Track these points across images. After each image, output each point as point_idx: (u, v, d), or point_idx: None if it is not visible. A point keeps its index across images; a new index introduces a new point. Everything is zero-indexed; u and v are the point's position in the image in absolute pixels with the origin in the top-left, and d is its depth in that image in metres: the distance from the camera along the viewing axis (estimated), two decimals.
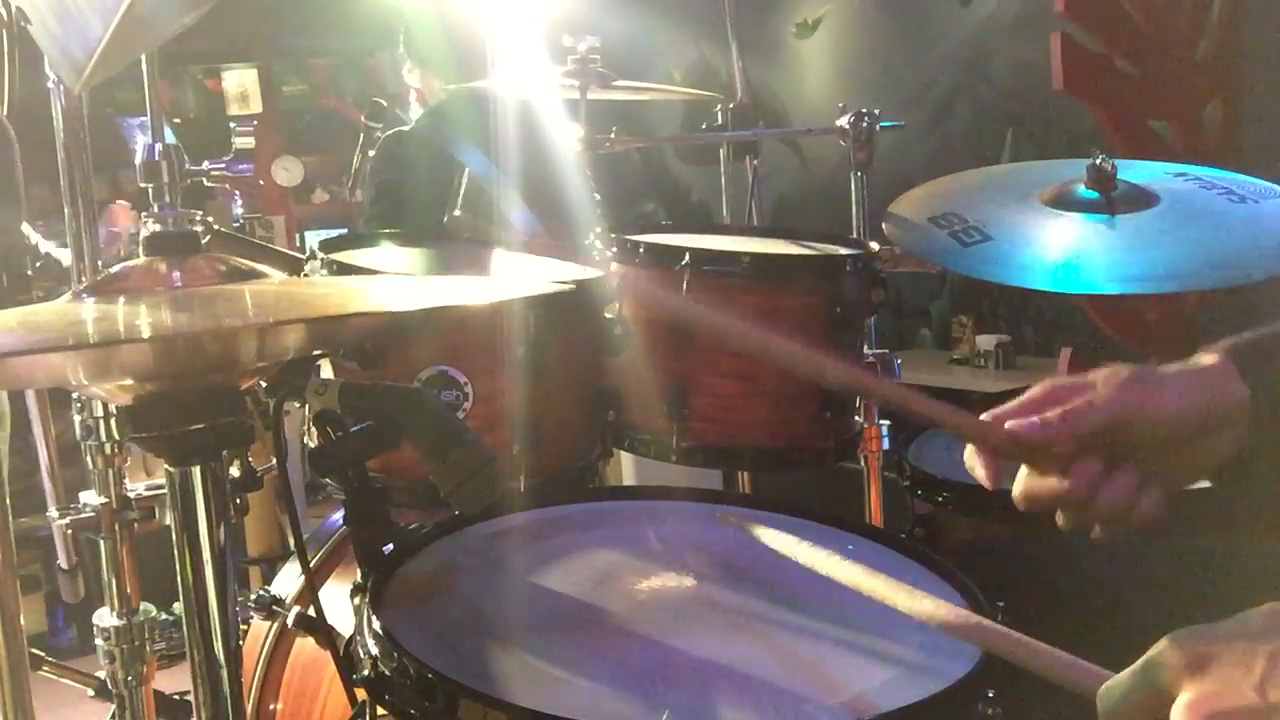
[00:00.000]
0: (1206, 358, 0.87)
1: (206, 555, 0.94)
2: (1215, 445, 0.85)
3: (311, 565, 1.49)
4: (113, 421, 1.50)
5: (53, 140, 1.46)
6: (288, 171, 5.37)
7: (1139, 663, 0.64)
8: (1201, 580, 1.11)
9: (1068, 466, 0.85)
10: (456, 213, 1.17)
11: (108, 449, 1.54)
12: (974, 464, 0.90)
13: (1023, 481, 0.88)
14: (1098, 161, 1.47)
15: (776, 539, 0.99)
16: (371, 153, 2.80)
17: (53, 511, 1.68)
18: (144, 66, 1.08)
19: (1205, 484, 1.30)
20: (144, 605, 1.57)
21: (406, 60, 3.03)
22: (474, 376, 1.27)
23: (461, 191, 1.64)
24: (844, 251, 1.56)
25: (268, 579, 1.76)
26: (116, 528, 1.55)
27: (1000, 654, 0.79)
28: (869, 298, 1.47)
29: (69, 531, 1.64)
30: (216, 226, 1.71)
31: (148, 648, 1.56)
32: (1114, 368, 0.87)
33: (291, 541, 1.73)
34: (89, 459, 1.55)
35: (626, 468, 2.60)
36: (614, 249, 1.46)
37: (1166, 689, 0.62)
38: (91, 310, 0.88)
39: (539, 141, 2.15)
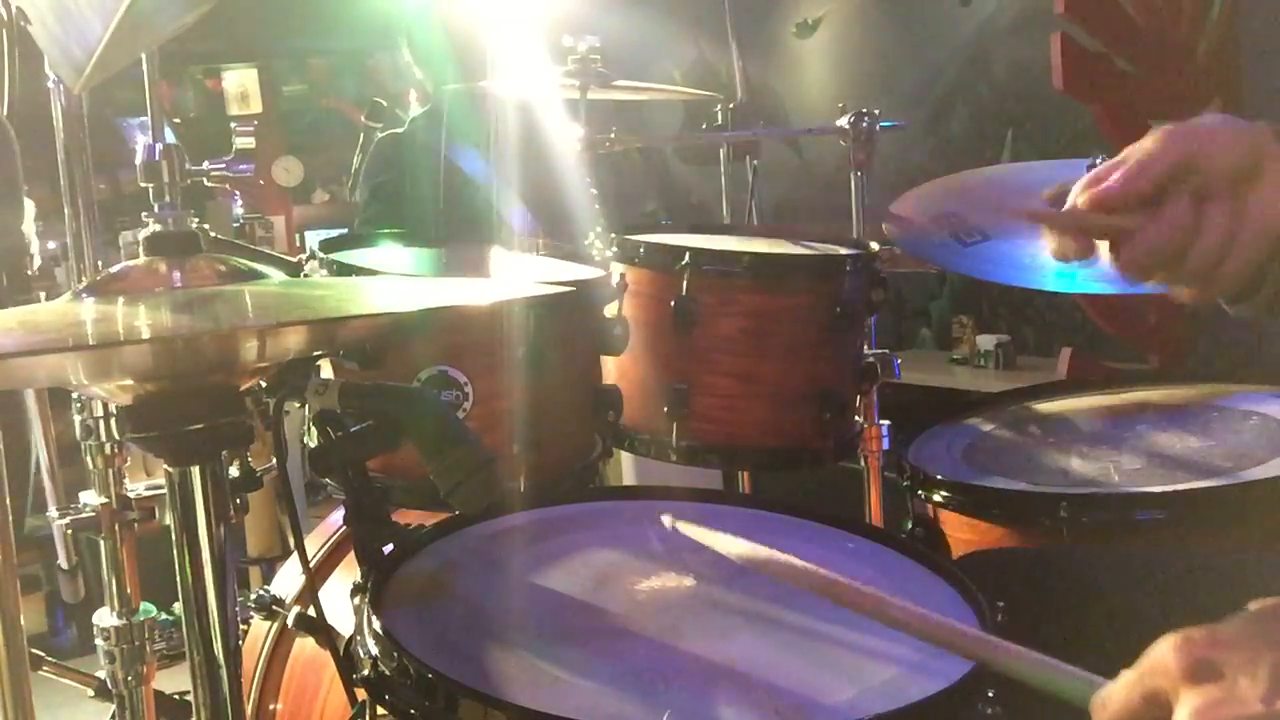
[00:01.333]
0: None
1: (206, 555, 0.94)
2: (1266, 194, 0.80)
3: (311, 565, 1.49)
4: (113, 421, 1.50)
5: (53, 140, 1.46)
6: (288, 171, 5.38)
7: (1135, 669, 0.63)
8: (1202, 582, 1.10)
9: (1156, 215, 0.80)
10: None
11: (108, 449, 1.54)
12: (1065, 249, 0.85)
13: (1115, 250, 0.83)
14: (1098, 162, 1.47)
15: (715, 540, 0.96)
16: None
17: (53, 511, 1.68)
18: (144, 66, 1.08)
19: (1205, 483, 1.30)
20: (144, 605, 1.57)
21: (408, 58, 3.03)
22: (474, 376, 1.27)
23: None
24: (844, 251, 1.56)
25: (268, 579, 1.76)
26: (116, 528, 1.54)
27: (984, 662, 0.78)
28: (869, 298, 1.47)
29: (69, 531, 1.64)
30: (213, 233, 1.71)
31: (148, 648, 1.56)
32: (1154, 128, 0.84)
33: (291, 541, 1.73)
34: (89, 459, 1.55)
35: (626, 468, 2.60)
36: (614, 249, 1.46)
37: (1165, 697, 0.60)
38: (91, 310, 0.88)
39: (537, 142, 2.15)
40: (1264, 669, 0.58)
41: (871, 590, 0.79)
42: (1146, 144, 0.83)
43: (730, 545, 0.87)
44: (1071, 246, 0.84)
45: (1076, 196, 0.84)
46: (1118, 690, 0.63)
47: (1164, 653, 0.62)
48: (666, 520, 0.93)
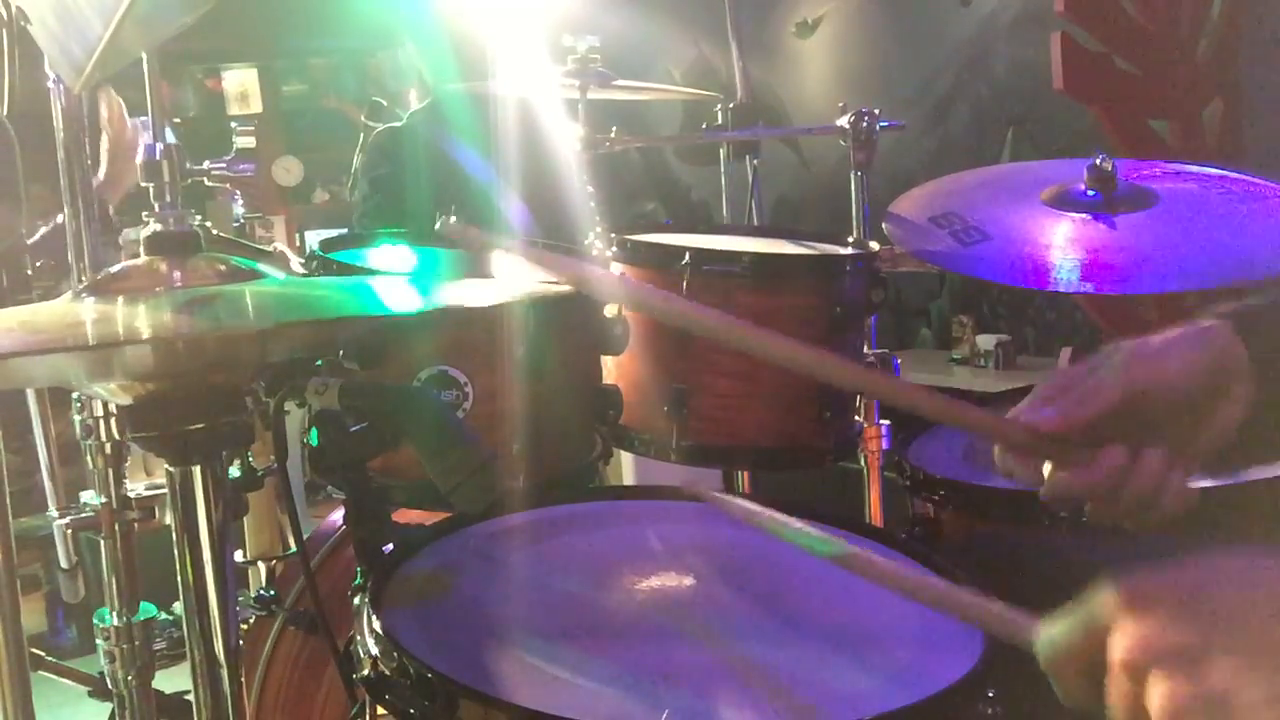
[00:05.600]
0: (1203, 320, 0.87)
1: (206, 555, 0.94)
2: (1226, 409, 0.85)
3: (312, 565, 1.49)
4: (113, 421, 1.50)
5: (53, 140, 1.46)
6: (288, 171, 5.38)
7: (1078, 603, 0.64)
8: None
9: (1093, 455, 0.84)
10: (451, 219, 1.17)
11: (108, 449, 1.54)
12: (1008, 465, 0.89)
13: (1050, 477, 0.87)
14: (1098, 161, 1.48)
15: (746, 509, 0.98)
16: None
17: (53, 511, 1.68)
18: (144, 66, 1.08)
19: (1205, 483, 1.30)
20: (144, 605, 1.57)
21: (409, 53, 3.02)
22: (474, 376, 1.27)
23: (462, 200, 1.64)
24: (844, 251, 1.56)
25: (268, 579, 1.76)
26: (116, 528, 1.54)
27: (930, 604, 0.80)
28: (869, 298, 1.47)
29: (69, 531, 1.64)
30: (214, 230, 1.71)
31: (148, 648, 1.56)
32: (1114, 345, 0.88)
33: (292, 541, 1.73)
34: (89, 459, 1.55)
35: (626, 468, 2.60)
36: (614, 249, 1.46)
37: (1105, 629, 0.62)
38: (91, 310, 0.88)
39: (536, 140, 2.15)
40: (1207, 601, 0.60)
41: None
42: (1099, 374, 0.86)
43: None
44: (1015, 464, 0.89)
45: (1023, 413, 0.88)
46: (1059, 623, 0.65)
47: (1106, 590, 0.63)
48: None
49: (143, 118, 1.10)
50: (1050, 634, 0.65)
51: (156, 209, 1.03)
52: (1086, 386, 0.86)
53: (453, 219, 1.12)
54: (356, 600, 1.01)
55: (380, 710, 0.92)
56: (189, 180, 1.09)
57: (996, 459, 0.91)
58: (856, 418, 1.59)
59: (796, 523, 0.87)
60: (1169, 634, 0.59)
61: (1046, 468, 0.88)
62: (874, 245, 1.55)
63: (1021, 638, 0.67)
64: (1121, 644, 0.60)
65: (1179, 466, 0.84)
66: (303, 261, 1.38)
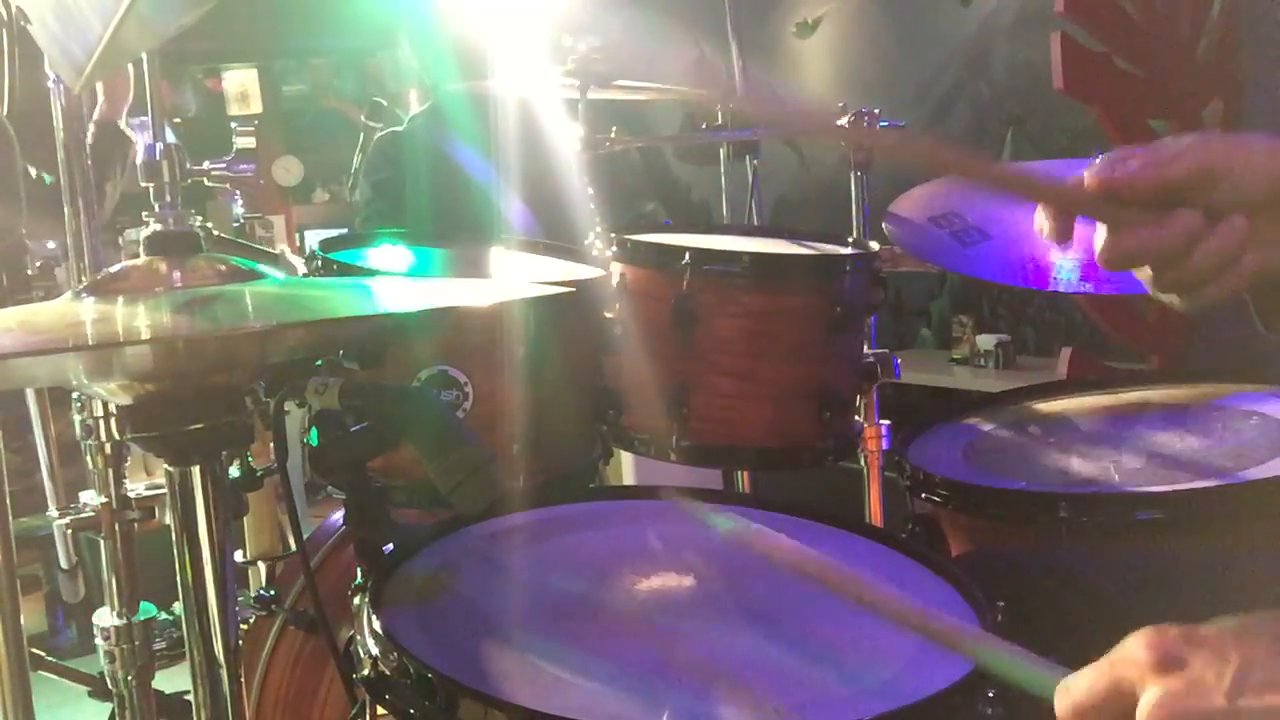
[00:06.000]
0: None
1: (206, 555, 0.94)
2: None
3: (312, 565, 1.49)
4: (113, 421, 1.50)
5: (53, 140, 1.46)
6: (288, 171, 5.38)
7: (1104, 659, 0.62)
8: (1202, 582, 1.10)
9: (1163, 217, 0.77)
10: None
11: (108, 449, 1.54)
12: (1047, 223, 0.82)
13: (1109, 237, 0.80)
14: (1097, 161, 1.47)
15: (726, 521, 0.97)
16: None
17: (53, 511, 1.68)
18: (144, 66, 1.08)
19: (1205, 483, 1.30)
20: (144, 605, 1.57)
21: (409, 54, 3.03)
22: (474, 376, 1.27)
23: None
24: (844, 251, 1.56)
25: (268, 579, 1.76)
26: (116, 528, 1.54)
27: (951, 647, 0.77)
28: (869, 298, 1.47)
29: (69, 531, 1.64)
30: (215, 231, 1.72)
31: (148, 648, 1.56)
32: (1187, 133, 0.81)
33: (292, 541, 1.73)
34: (89, 459, 1.55)
35: (626, 468, 2.60)
36: (614, 249, 1.46)
37: (1131, 686, 0.60)
38: (91, 310, 0.88)
39: (537, 141, 2.15)
40: (1231, 665, 0.58)
41: (854, 574, 0.80)
42: (1178, 142, 0.80)
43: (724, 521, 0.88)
44: (1051, 226, 0.83)
45: (1088, 176, 0.81)
46: (1083, 676, 0.63)
47: (1134, 644, 0.61)
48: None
49: (143, 118, 1.10)
50: (1074, 687, 0.63)
51: (156, 209, 1.03)
52: (1161, 151, 0.79)
53: None
54: (356, 600, 1.01)
55: (380, 710, 0.92)
56: (189, 180, 1.09)
57: (1037, 222, 0.83)
58: (856, 418, 1.59)
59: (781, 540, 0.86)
60: (1201, 698, 0.58)
61: (1100, 234, 0.80)
62: (874, 245, 1.55)
63: (1042, 688, 0.65)
64: (1151, 706, 0.59)
65: (1249, 250, 0.77)
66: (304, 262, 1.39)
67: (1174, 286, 0.81)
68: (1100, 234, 0.81)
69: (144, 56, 1.07)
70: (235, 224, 2.92)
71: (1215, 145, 0.79)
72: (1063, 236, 0.82)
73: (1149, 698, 0.59)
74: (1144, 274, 0.83)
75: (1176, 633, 0.61)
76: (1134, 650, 0.61)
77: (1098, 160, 0.82)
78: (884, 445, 1.66)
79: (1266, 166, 0.78)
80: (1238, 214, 0.77)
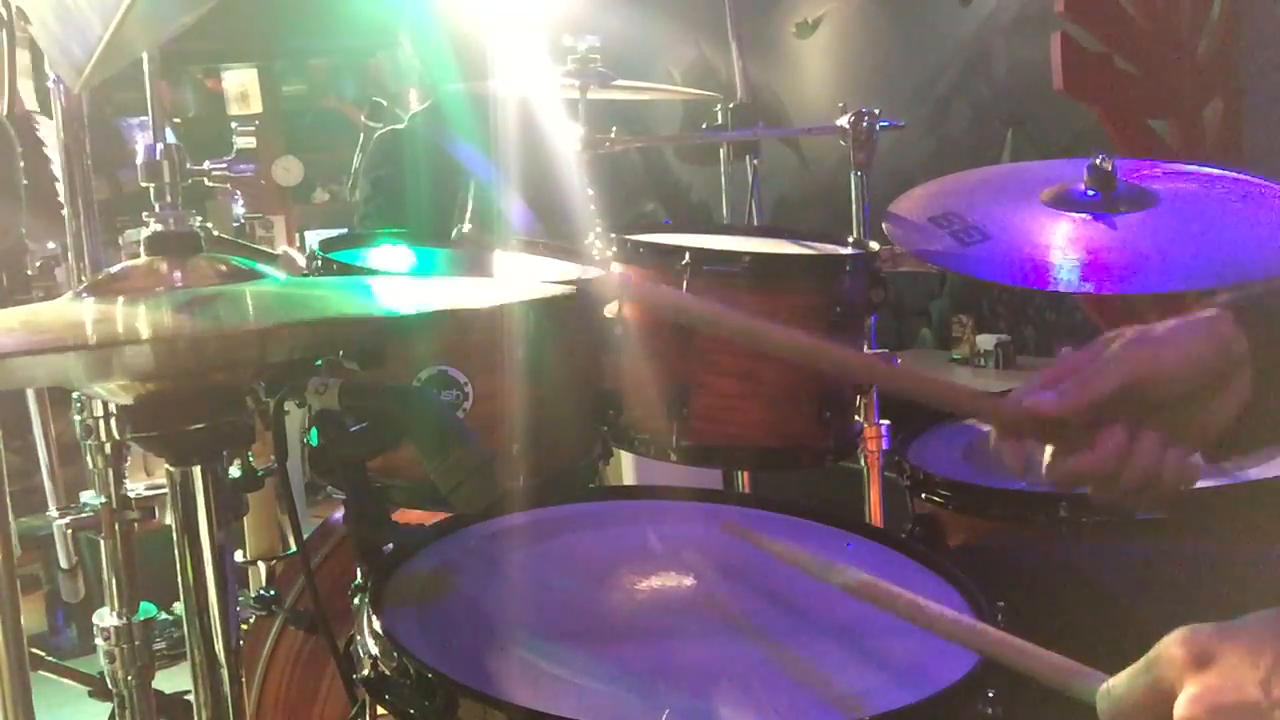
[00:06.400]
0: (1205, 311, 0.87)
1: (206, 555, 0.94)
2: (1225, 398, 0.85)
3: (312, 565, 1.49)
4: (113, 421, 1.50)
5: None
6: (288, 171, 5.37)
7: (1142, 660, 0.63)
8: (1202, 582, 1.10)
9: (1091, 439, 0.85)
10: (465, 227, 1.18)
11: (108, 449, 1.54)
12: (1000, 450, 0.90)
13: (1050, 459, 0.88)
14: (1098, 161, 1.48)
15: (784, 549, 0.99)
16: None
17: (53, 511, 1.68)
18: (144, 66, 1.08)
19: (1205, 483, 1.30)
20: (144, 605, 1.57)
21: (409, 53, 3.03)
22: (474, 376, 1.27)
23: (469, 205, 1.65)
24: (844, 251, 1.56)
25: (268, 579, 1.76)
26: (116, 528, 1.54)
27: (994, 657, 0.79)
28: (869, 298, 1.47)
29: (69, 531, 1.64)
30: (215, 231, 1.71)
31: (148, 648, 1.56)
32: (1115, 332, 0.88)
33: (292, 541, 1.73)
34: (89, 459, 1.55)
35: (626, 468, 2.60)
36: (614, 249, 1.46)
37: (1170, 685, 0.61)
38: (91, 310, 0.88)
39: (537, 141, 2.15)
40: (1266, 658, 0.59)
41: (907, 593, 0.81)
42: (1099, 360, 0.87)
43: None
44: (1008, 452, 0.90)
45: (1022, 398, 0.89)
46: (1123, 680, 0.64)
47: (1170, 645, 0.63)
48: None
49: (143, 118, 1.10)
50: (1114, 691, 0.64)
51: (156, 209, 1.03)
52: (1087, 372, 0.86)
53: None
54: (356, 600, 1.01)
55: (380, 710, 0.92)
56: (189, 180, 1.09)
57: (991, 443, 0.92)
58: (856, 418, 1.59)
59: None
60: (1236, 691, 0.59)
61: (1046, 453, 0.88)
62: (874, 245, 1.55)
63: (1083, 692, 0.67)
64: (1188, 702, 0.60)
65: (1175, 451, 0.85)
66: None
67: (1115, 498, 0.88)
68: (1045, 453, 0.89)
69: (144, 56, 1.07)
70: (235, 224, 2.92)
71: (1138, 353, 0.86)
72: (1022, 469, 0.90)
73: (1186, 694, 0.60)
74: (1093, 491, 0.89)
75: (1211, 630, 0.62)
76: (1170, 650, 0.62)
77: (1029, 381, 0.90)
78: (884, 445, 1.66)
79: (1182, 359, 0.85)
80: (1150, 433, 0.85)
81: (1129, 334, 0.88)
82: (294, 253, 2.02)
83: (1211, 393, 0.85)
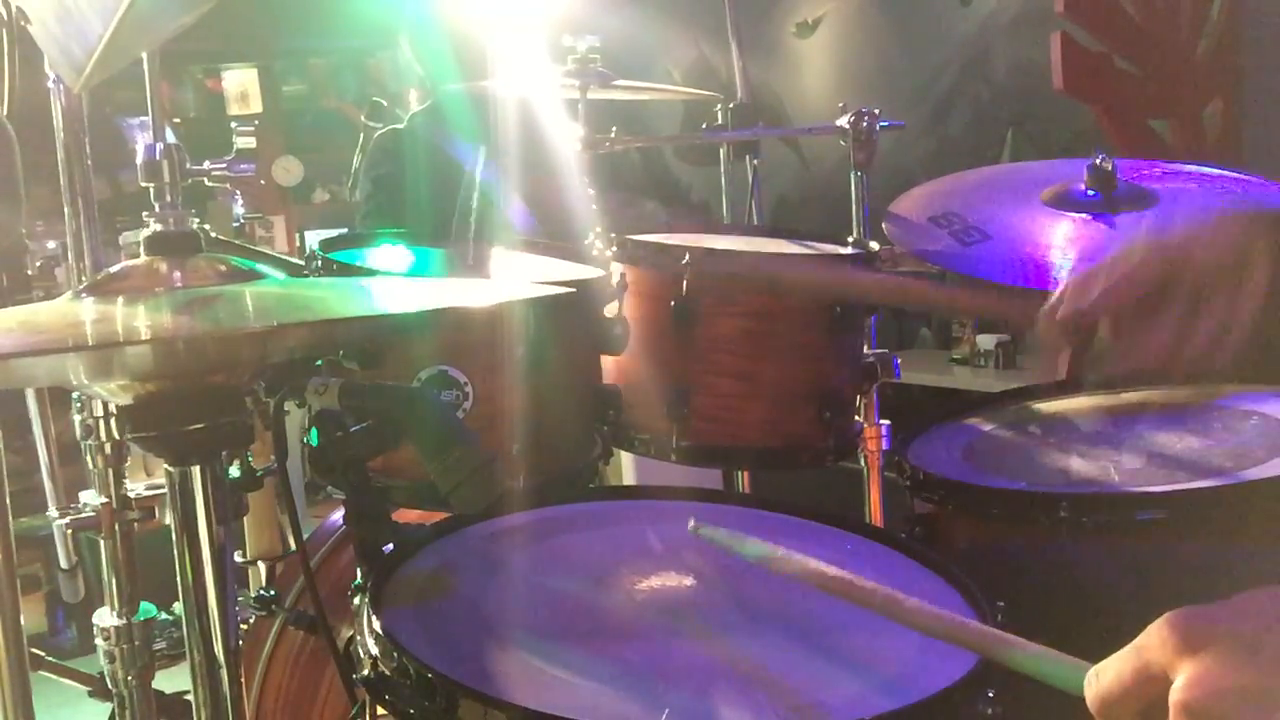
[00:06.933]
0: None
1: (206, 555, 0.94)
2: (1253, 279, 0.85)
3: (312, 565, 1.49)
4: (113, 421, 1.50)
5: (53, 140, 1.46)
6: (288, 171, 5.37)
7: (1130, 645, 0.62)
8: (1202, 582, 1.10)
9: (1144, 327, 0.85)
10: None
11: (108, 449, 1.54)
12: (1048, 345, 0.92)
13: (1107, 346, 0.88)
14: (1098, 161, 1.48)
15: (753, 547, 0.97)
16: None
17: (53, 511, 1.68)
18: (144, 66, 1.08)
19: (1205, 483, 1.30)
20: (144, 605, 1.57)
21: (409, 55, 3.03)
22: (474, 376, 1.27)
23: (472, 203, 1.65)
24: (844, 251, 1.56)
25: (268, 579, 1.76)
26: (116, 528, 1.55)
27: (976, 650, 0.78)
28: None
29: (69, 531, 1.64)
30: (214, 233, 1.71)
31: (148, 648, 1.56)
32: (1131, 236, 0.88)
33: (292, 541, 1.73)
34: (89, 459, 1.55)
35: (626, 468, 2.60)
36: (614, 249, 1.46)
37: (1160, 670, 0.60)
38: (91, 310, 0.88)
39: (537, 141, 2.15)
40: (1262, 639, 0.58)
41: (883, 588, 0.80)
42: (1130, 260, 0.87)
43: (750, 547, 0.89)
44: (1059, 337, 0.91)
45: (1065, 299, 0.89)
46: (1110, 665, 0.62)
47: (1160, 628, 0.61)
48: (690, 524, 0.94)
49: (143, 118, 1.10)
50: (1102, 676, 0.62)
51: (156, 209, 1.03)
52: (1121, 272, 0.86)
53: None
54: (356, 600, 1.01)
55: (380, 710, 0.92)
56: (189, 180, 1.09)
57: (1042, 330, 0.91)
58: (856, 418, 1.59)
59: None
60: (1232, 674, 0.57)
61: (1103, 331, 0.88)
62: (874, 245, 1.55)
63: (1067, 679, 0.65)
64: (1185, 686, 0.58)
65: (1234, 318, 0.85)
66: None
67: (1183, 368, 0.88)
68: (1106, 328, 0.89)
69: (144, 56, 1.07)
70: (235, 224, 2.92)
71: (1162, 249, 0.86)
72: (1056, 361, 0.90)
73: (1183, 678, 0.58)
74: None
75: (1201, 612, 0.60)
76: (1160, 632, 0.60)
77: (1064, 283, 0.88)
78: (884, 445, 1.66)
79: (1214, 243, 0.85)
80: (1211, 298, 0.84)
81: (1149, 240, 0.87)
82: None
83: (1249, 272, 0.85)
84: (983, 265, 1.46)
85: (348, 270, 1.36)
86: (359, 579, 1.05)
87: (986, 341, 3.58)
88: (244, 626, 1.64)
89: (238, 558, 1.76)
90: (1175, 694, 0.58)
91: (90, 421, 1.52)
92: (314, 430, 1.08)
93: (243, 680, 0.99)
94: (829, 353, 1.44)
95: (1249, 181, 1.51)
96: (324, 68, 6.06)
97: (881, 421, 1.65)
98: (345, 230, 2.59)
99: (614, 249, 1.46)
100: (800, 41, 4.40)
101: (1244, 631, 0.59)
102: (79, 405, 1.53)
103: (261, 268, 0.98)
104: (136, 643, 1.55)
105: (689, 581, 1.06)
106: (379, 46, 5.67)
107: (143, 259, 0.97)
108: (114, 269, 0.96)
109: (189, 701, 0.98)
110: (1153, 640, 0.61)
